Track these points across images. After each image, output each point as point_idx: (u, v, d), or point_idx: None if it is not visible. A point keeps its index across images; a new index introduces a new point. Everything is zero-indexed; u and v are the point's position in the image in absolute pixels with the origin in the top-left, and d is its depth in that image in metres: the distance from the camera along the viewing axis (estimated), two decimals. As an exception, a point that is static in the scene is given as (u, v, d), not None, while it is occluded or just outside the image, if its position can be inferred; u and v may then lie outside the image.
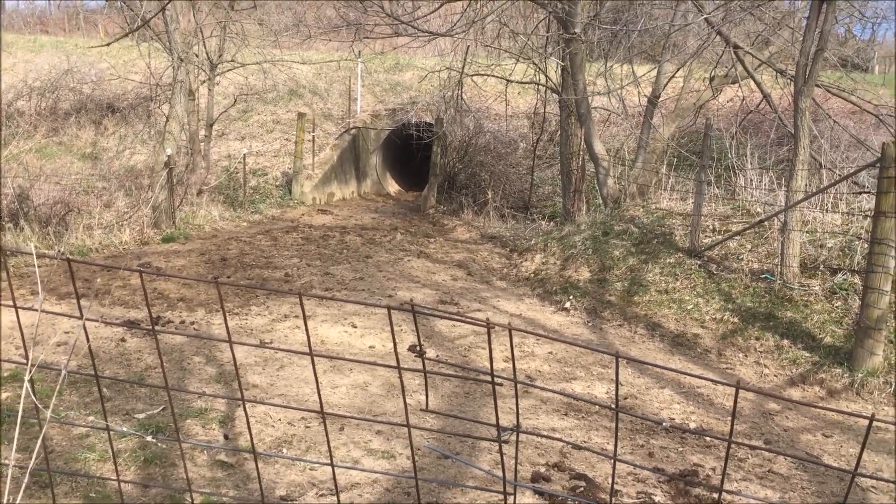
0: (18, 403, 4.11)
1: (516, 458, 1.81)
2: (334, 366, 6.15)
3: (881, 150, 6.17)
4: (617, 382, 1.57)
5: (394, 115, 17.54)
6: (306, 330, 1.83)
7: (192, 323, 7.20)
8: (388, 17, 9.82)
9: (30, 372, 1.77)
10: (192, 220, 11.97)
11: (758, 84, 10.09)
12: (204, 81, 15.06)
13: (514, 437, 1.97)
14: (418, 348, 2.13)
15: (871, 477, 1.29)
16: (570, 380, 6.25)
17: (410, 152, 16.91)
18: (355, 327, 7.21)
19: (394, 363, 2.26)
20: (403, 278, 9.58)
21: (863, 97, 11.34)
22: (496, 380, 1.79)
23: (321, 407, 1.84)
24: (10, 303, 1.77)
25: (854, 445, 5.18)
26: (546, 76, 12.76)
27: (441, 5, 10.17)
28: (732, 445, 4.92)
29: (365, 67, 18.18)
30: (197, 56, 14.30)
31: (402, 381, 1.72)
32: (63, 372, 1.79)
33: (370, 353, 6.64)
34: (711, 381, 1.72)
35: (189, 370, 5.96)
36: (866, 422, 5.54)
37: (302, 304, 1.76)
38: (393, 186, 18.41)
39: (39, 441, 1.84)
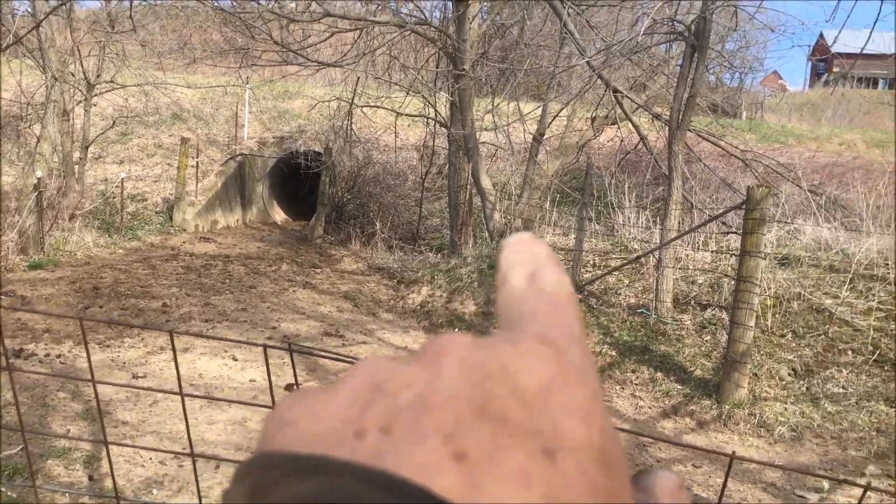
0: None
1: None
2: (212, 401, 5.94)
3: (746, 194, 6.56)
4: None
5: (282, 143, 17.31)
6: (177, 369, 1.75)
7: (59, 356, 6.81)
8: (277, 45, 9.73)
9: None
10: (62, 246, 11.38)
11: (635, 126, 10.54)
12: (80, 102, 14.42)
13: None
14: (295, 387, 2.08)
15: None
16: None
17: (299, 181, 16.70)
18: (236, 360, 7.00)
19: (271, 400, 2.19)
20: (288, 309, 9.40)
21: (731, 142, 12.04)
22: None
23: (191, 448, 1.76)
24: None
25: (722, 476, 5.40)
26: (435, 110, 12.92)
27: (331, 35, 10.17)
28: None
29: (253, 94, 17.90)
30: (73, 75, 13.70)
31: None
32: None
33: (251, 387, 6.46)
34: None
35: (53, 406, 5.61)
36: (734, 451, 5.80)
37: (173, 343, 1.69)
38: (280, 215, 18.11)
39: None
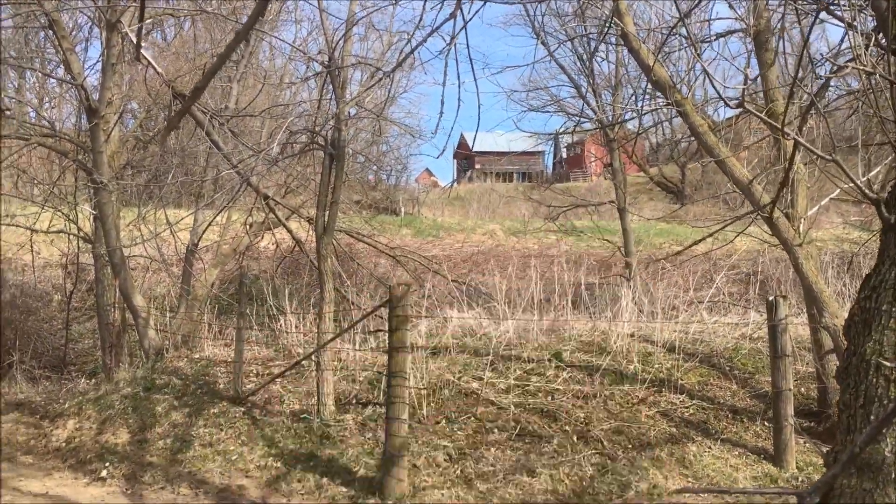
0: None
1: None
2: None
3: (389, 292, 6.90)
4: None
5: None
6: None
7: None
8: None
9: None
10: None
11: (289, 231, 10.71)
12: None
13: None
14: None
15: None
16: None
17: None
18: None
19: None
20: None
21: (385, 239, 12.77)
22: None
23: None
24: None
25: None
26: (76, 226, 12.00)
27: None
28: None
29: None
30: None
31: None
32: None
33: None
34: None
35: None
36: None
37: None
38: None
39: None
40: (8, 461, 8.50)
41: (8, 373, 12.37)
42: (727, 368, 8.76)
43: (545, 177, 63.48)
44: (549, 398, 7.99)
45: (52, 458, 8.64)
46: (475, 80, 6.17)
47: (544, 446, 7.26)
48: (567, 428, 7.53)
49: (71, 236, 12.65)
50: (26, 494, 7.25)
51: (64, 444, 8.84)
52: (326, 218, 8.38)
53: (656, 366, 8.56)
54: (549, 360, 8.63)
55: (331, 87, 8.46)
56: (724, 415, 7.91)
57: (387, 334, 7.03)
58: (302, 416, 7.99)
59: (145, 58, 7.54)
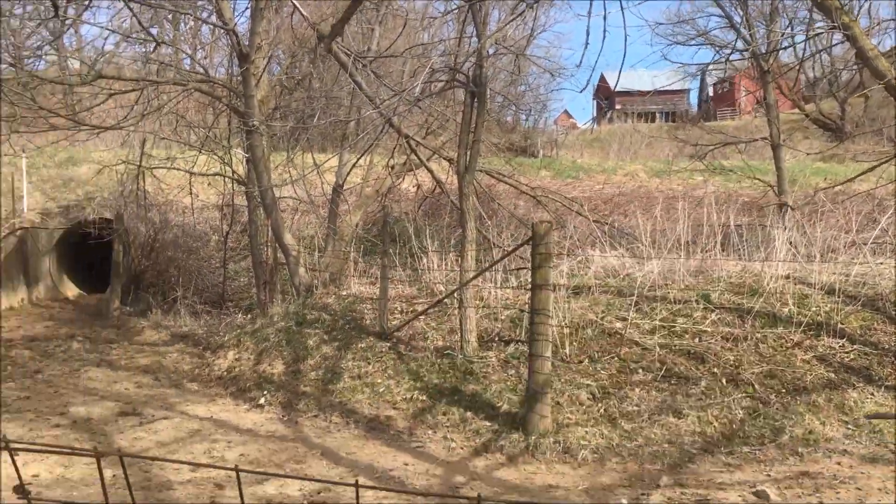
0: None
1: None
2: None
3: (532, 230, 6.84)
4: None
5: (68, 213, 16.19)
6: None
7: None
8: (44, 111, 9.10)
9: None
10: None
11: (430, 171, 10.80)
12: None
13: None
14: (23, 489, 1.86)
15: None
16: (261, 482, 5.99)
17: (90, 252, 15.65)
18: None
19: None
20: (80, 392, 8.69)
21: (525, 180, 12.66)
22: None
23: None
24: None
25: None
26: (231, 168, 12.59)
27: (107, 98, 9.67)
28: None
29: (31, 163, 16.67)
30: None
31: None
32: None
33: (35, 482, 5.85)
34: (331, 483, 1.66)
35: None
36: (543, 484, 5.95)
37: None
38: (71, 290, 16.84)
39: None
40: (175, 387, 9.18)
41: (173, 307, 13.30)
42: (894, 313, 8.18)
43: (690, 116, 60.81)
44: (697, 340, 7.75)
45: (214, 385, 9.25)
46: (622, 9, 5.92)
47: (691, 388, 7.08)
48: (716, 370, 7.29)
49: (226, 179, 13.28)
50: (193, 418, 7.80)
51: (225, 373, 9.44)
52: (468, 157, 8.37)
53: (813, 309, 8.10)
54: (697, 302, 8.35)
55: (471, 23, 8.36)
56: (890, 361, 7.41)
57: (529, 273, 7.01)
58: (445, 352, 8.13)
59: (291, 2, 7.70)
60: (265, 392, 8.46)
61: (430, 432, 7.08)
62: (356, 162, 12.10)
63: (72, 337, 11.72)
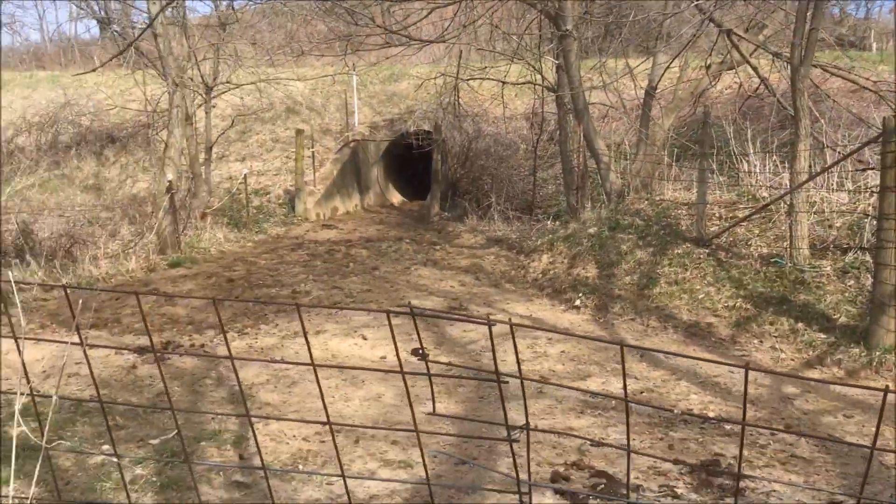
0: (32, 435, 4.10)
1: (528, 456, 1.76)
2: (346, 378, 6.11)
3: (882, 125, 6.11)
4: (624, 371, 1.52)
5: (392, 126, 17.53)
6: (306, 341, 1.79)
7: (202, 345, 7.18)
8: (379, 28, 9.81)
9: (19, 402, 1.74)
10: (197, 243, 11.96)
11: (754, 69, 10.03)
12: (200, 105, 15.08)
13: (524, 436, 1.92)
14: (420, 351, 2.09)
15: (889, 450, 1.24)
16: (584, 377, 6.19)
17: (411, 162, 16.90)
18: (365, 339, 7.17)
19: (405, 372, 2.22)
20: (411, 287, 9.54)
21: (861, 75, 11.25)
22: (503, 378, 1.74)
23: (327, 418, 1.79)
24: (12, 335, 1.74)
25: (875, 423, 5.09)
26: (541, 75, 12.72)
27: (430, 11, 10.17)
28: (754, 432, 4.85)
29: (360, 80, 18.18)
30: (192, 80, 14.32)
31: (406, 385, 1.68)
32: (54, 398, 1.76)
33: (381, 364, 6.60)
34: (722, 363, 1.66)
35: (201, 393, 5.93)
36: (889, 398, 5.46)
37: (300, 316, 1.73)
38: (396, 197, 18.39)
39: (37, 471, 1.81)
40: (494, 287, 9.72)
41: (487, 213, 13.97)
42: None
43: None
44: None
45: (530, 286, 9.65)
46: None
47: None
48: None
49: (535, 87, 13.46)
50: (514, 315, 8.22)
51: (540, 276, 9.80)
52: (803, 49, 7.62)
53: None
54: None
55: None
56: None
57: (870, 175, 6.33)
58: (772, 259, 7.68)
59: None
60: (580, 294, 8.65)
61: (755, 341, 6.80)
62: (670, 63, 11.58)
63: (400, 239, 12.85)
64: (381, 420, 5.32)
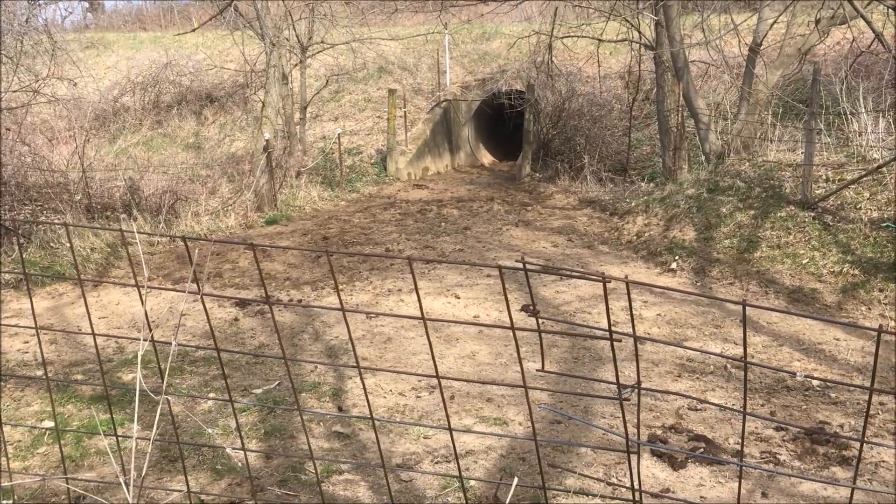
0: (147, 382, 4.31)
1: (638, 416, 1.75)
2: (440, 336, 6.18)
3: None
4: (745, 330, 1.48)
5: (484, 86, 17.41)
6: (417, 295, 1.81)
7: (300, 300, 7.38)
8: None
9: (142, 348, 1.82)
10: (292, 201, 12.24)
11: (868, 23, 9.44)
12: (296, 65, 15.30)
13: (634, 396, 1.91)
14: (532, 307, 2.08)
15: None
16: (681, 340, 6.08)
17: (503, 122, 16.77)
18: (458, 298, 7.22)
19: (500, 331, 2.24)
20: (503, 248, 9.53)
21: None
22: (614, 336, 1.72)
23: (436, 372, 1.82)
24: (132, 285, 1.82)
25: None
26: (639, 32, 12.35)
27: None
28: (861, 401, 4.68)
29: (452, 39, 18.08)
30: (288, 40, 14.52)
31: (515, 340, 1.68)
32: (173, 346, 1.84)
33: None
34: (852, 325, 1.59)
35: (300, 346, 6.11)
36: None
37: (412, 270, 1.74)
38: (487, 157, 18.32)
39: (157, 415, 1.90)
40: (588, 248, 9.60)
41: (580, 174, 13.78)
42: None
43: None
44: None
45: (624, 248, 9.50)
46: None
47: None
48: None
49: (632, 45, 13.10)
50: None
51: (634, 238, 9.63)
52: (926, -1, 7.14)
53: None
54: None
55: None
56: None
57: None
58: (883, 224, 7.32)
59: None
60: (676, 257, 8.47)
61: (863, 308, 6.53)
62: (777, 19, 11.06)
63: (491, 199, 12.82)
64: (475, 377, 5.36)
